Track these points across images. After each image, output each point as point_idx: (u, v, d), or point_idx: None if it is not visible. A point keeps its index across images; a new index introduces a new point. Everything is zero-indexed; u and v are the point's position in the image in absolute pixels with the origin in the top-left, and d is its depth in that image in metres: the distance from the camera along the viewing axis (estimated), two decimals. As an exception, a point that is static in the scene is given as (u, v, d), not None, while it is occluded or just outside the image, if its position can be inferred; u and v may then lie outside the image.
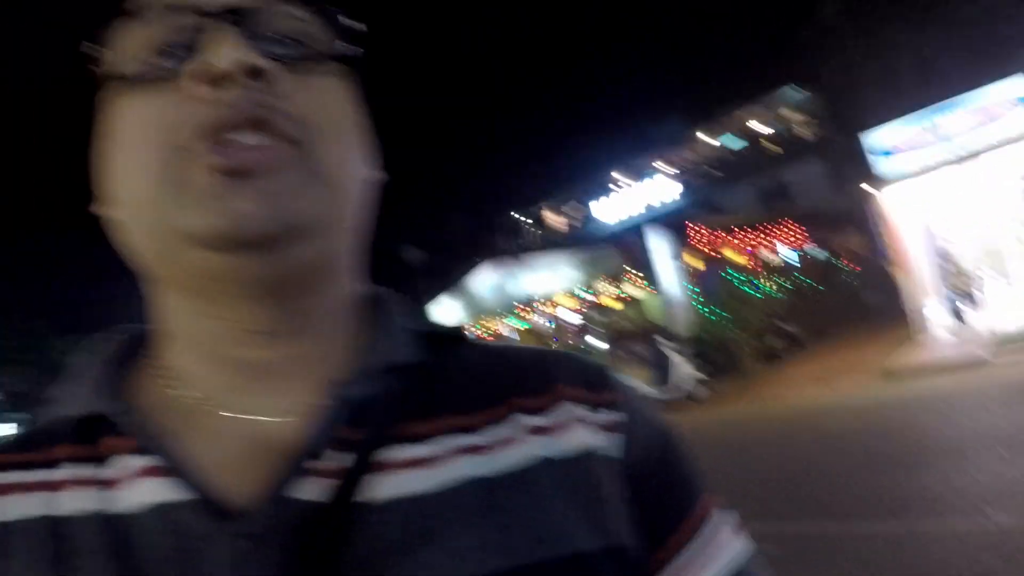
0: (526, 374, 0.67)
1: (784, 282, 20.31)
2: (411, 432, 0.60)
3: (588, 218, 36.77)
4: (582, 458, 0.62)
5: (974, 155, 12.79)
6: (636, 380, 15.52)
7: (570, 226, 39.32)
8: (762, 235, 20.66)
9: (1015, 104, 12.54)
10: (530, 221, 42.00)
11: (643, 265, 18.77)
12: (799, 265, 21.44)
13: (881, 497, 6.09)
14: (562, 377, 0.67)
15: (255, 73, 0.54)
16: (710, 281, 19.05)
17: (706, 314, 18.08)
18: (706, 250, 19.04)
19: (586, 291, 21.27)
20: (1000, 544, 4.52)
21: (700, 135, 34.35)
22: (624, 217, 34.06)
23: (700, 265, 19.02)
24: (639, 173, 35.78)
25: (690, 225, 19.98)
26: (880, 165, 13.91)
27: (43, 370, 50.69)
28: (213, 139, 0.53)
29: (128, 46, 0.57)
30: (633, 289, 19.79)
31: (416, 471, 0.58)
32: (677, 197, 32.39)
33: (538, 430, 0.63)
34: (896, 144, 13.75)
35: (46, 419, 0.61)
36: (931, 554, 4.63)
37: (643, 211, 33.52)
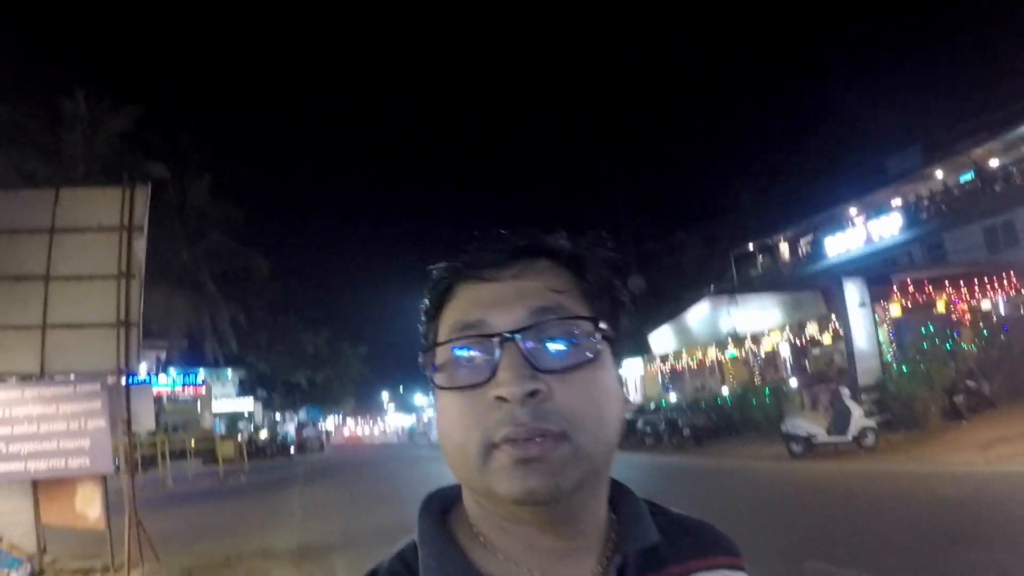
0: (716, 539, 1.02)
1: (985, 336, 20.32)
2: (671, 573, 0.93)
3: (818, 253, 37.05)
4: None
5: None
6: (813, 423, 16.66)
7: (801, 257, 39.56)
8: (970, 284, 20.71)
9: None
10: (760, 254, 42.44)
11: (839, 313, 19.45)
12: (1005, 318, 21.26)
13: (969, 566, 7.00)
14: (720, 547, 1.01)
15: (535, 394, 0.80)
16: (905, 332, 19.50)
17: (894, 366, 18.57)
18: (905, 301, 19.46)
19: (790, 333, 22.09)
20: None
21: (937, 171, 33.74)
22: (851, 254, 34.26)
23: (897, 315, 19.48)
24: (873, 210, 35.68)
25: (892, 276, 20.52)
26: None
27: (291, 356, 56.08)
28: (507, 440, 0.80)
29: (440, 360, 0.87)
30: (829, 336, 20.49)
31: None
32: (904, 234, 32.24)
33: None
34: None
35: None
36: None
37: (867, 248, 33.61)
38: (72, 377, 10.25)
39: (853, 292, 19.23)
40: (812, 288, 21.76)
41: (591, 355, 0.85)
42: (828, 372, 20.56)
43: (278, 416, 65.55)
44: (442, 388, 0.86)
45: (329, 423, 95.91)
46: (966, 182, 32.73)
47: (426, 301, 0.95)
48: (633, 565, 0.90)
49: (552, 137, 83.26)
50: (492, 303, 0.87)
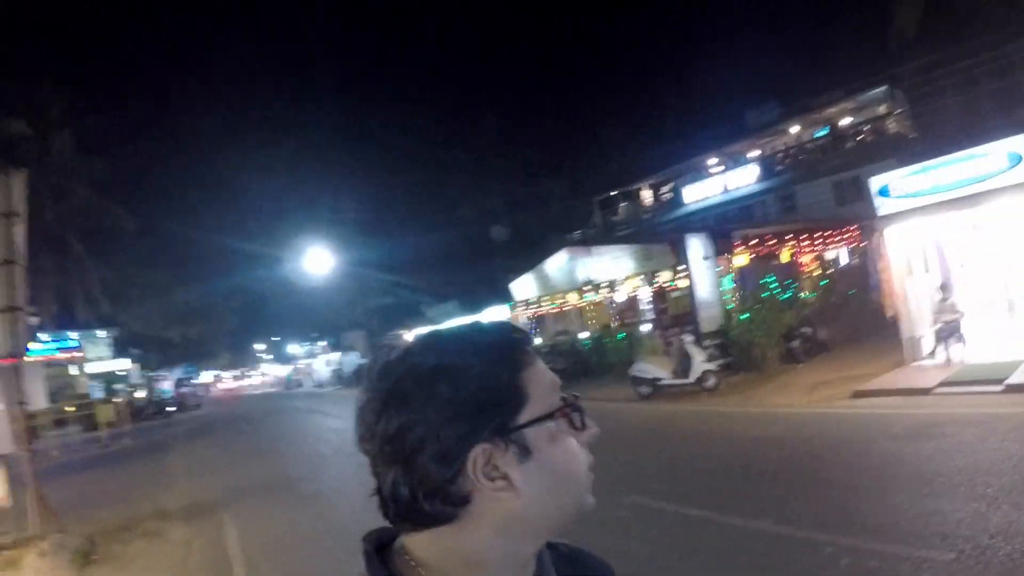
0: (598, 570, 1.20)
1: (822, 285, 21.67)
2: None
3: (677, 201, 38.28)
4: None
5: (969, 202, 14.02)
6: (660, 367, 17.51)
7: (661, 205, 40.76)
8: (809, 237, 21.99)
9: (1004, 159, 13.77)
10: (623, 201, 43.43)
11: (684, 264, 20.35)
12: (838, 271, 22.68)
13: (776, 501, 7.73)
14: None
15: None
16: (746, 282, 20.59)
17: (736, 314, 19.61)
18: (747, 253, 20.53)
19: (641, 281, 22.94)
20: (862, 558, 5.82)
21: (791, 127, 35.17)
22: (708, 201, 35.57)
23: (739, 266, 20.53)
24: (731, 160, 37.04)
25: (734, 230, 21.58)
26: (882, 204, 15.29)
27: (163, 313, 54.97)
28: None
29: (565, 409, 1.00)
30: (678, 284, 21.39)
31: None
32: (759, 185, 33.62)
33: None
34: (898, 186, 15.14)
35: None
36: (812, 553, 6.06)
37: (724, 196, 34.95)
38: None
39: (697, 245, 20.13)
40: (661, 241, 22.63)
41: None
42: (677, 319, 21.47)
43: (154, 375, 64.13)
44: (576, 430, 1.00)
45: (206, 378, 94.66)
46: (819, 137, 34.25)
47: (506, 362, 0.99)
48: None
49: (421, 75, 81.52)
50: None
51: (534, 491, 0.95)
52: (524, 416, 0.96)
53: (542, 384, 0.99)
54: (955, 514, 6.41)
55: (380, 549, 1.03)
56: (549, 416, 0.97)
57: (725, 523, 7.34)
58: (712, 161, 38.49)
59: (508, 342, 1.01)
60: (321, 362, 70.96)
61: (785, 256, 21.34)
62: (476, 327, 1.04)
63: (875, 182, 15.62)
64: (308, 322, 69.00)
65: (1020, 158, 13.54)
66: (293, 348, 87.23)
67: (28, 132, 30.47)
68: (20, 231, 10.43)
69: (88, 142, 38.30)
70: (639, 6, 74.44)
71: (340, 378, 59.27)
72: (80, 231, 36.03)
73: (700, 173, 37.96)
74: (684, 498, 8.43)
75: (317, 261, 43.14)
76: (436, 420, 0.93)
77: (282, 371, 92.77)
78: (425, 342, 1.01)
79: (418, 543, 0.98)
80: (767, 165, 34.45)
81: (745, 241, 20.51)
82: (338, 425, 25.69)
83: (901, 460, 8.78)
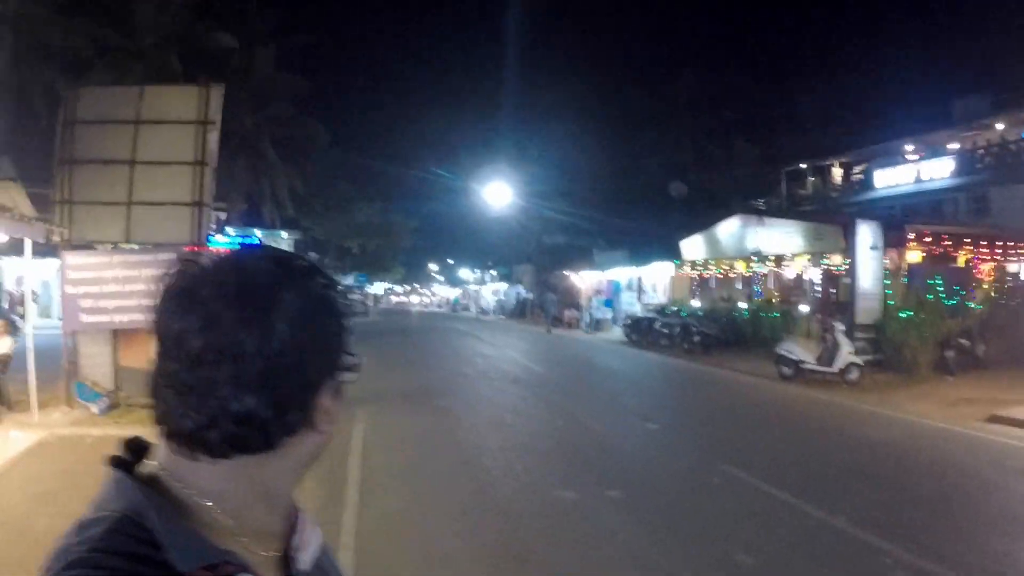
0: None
1: (993, 297, 20.95)
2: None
3: (865, 184, 37.12)
4: None
5: None
6: (806, 350, 17.64)
7: (849, 185, 39.62)
8: (989, 245, 21.17)
9: None
10: (812, 175, 42.42)
11: (851, 250, 20.10)
12: (1016, 285, 21.75)
13: (861, 503, 8.00)
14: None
15: None
16: (912, 280, 20.13)
17: (895, 311, 19.32)
18: (919, 249, 20.01)
19: (808, 261, 22.77)
20: None
21: (998, 123, 33.33)
22: (896, 189, 34.33)
23: (908, 262, 20.09)
24: (928, 150, 35.53)
25: (909, 223, 21.07)
26: None
27: (345, 223, 57.39)
28: None
29: None
30: (845, 270, 21.11)
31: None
32: (950, 179, 32.14)
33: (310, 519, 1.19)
34: None
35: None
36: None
37: (913, 186, 33.61)
38: (152, 247, 12.64)
39: (866, 233, 19.80)
40: (833, 222, 22.32)
41: None
42: (838, 306, 21.31)
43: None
44: None
45: (379, 289, 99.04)
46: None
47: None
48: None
49: (623, 21, 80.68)
50: None
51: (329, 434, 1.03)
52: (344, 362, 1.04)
53: None
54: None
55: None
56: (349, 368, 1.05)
57: (804, 511, 7.78)
58: (908, 148, 36.99)
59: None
60: (488, 290, 72.91)
61: (961, 260, 20.69)
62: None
63: None
64: (482, 250, 70.44)
65: None
66: (465, 273, 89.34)
67: (234, 44, 32.24)
68: (213, 138, 12.80)
69: (290, 60, 40.09)
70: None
71: (503, 308, 60.89)
72: (275, 140, 37.84)
73: (893, 158, 36.53)
74: (776, 479, 8.88)
75: (498, 193, 44.24)
76: (311, 348, 0.95)
77: (451, 293, 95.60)
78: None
79: (205, 472, 0.93)
80: (965, 160, 32.89)
81: (920, 237, 20.02)
82: (489, 351, 26.88)
83: (1004, 494, 8.78)
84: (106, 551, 0.83)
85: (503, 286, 67.01)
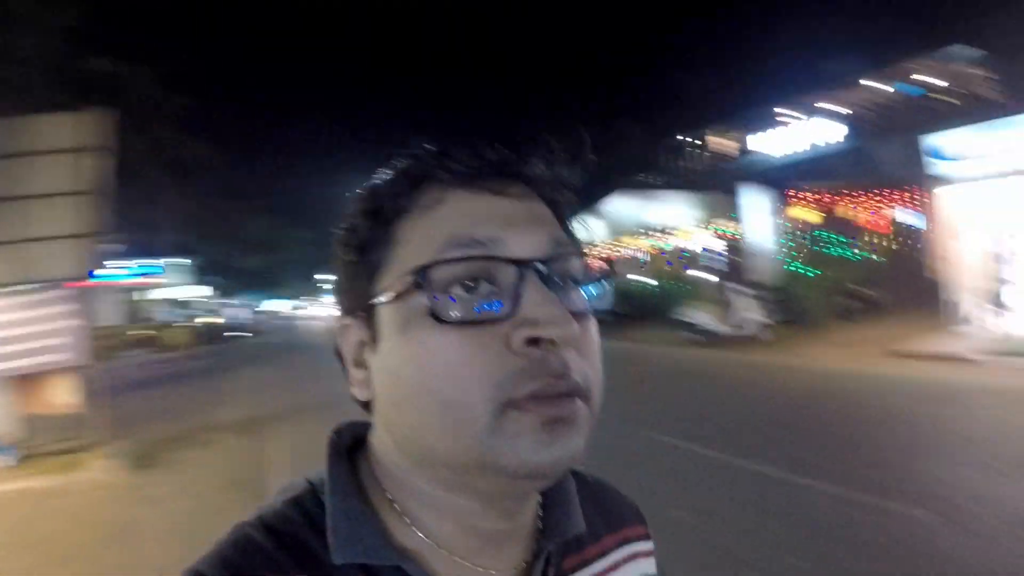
0: (622, 508, 0.97)
1: (878, 247, 21.78)
2: (589, 556, 0.86)
3: (746, 149, 37.93)
4: None
5: None
6: (714, 316, 18.01)
7: (730, 152, 40.43)
8: (873, 196, 21.99)
9: None
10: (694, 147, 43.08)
11: (741, 215, 20.64)
12: (899, 232, 22.65)
13: (786, 448, 8.31)
14: (628, 517, 0.96)
15: (571, 337, 0.66)
16: (804, 237, 20.81)
17: (792, 267, 19.91)
18: (808, 207, 20.67)
19: (702, 229, 23.21)
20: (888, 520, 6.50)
21: (872, 82, 34.41)
22: (778, 152, 35.15)
23: (798, 220, 20.73)
24: (806, 112, 36.48)
25: (796, 183, 21.73)
26: (938, 167, 15.55)
27: (240, 243, 56.69)
28: (536, 396, 0.64)
29: (436, 277, 0.67)
30: (737, 234, 21.65)
31: None
32: (829, 138, 33.09)
33: (643, 553, 0.94)
34: (952, 149, 15.40)
35: (342, 557, 0.70)
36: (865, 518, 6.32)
37: (795, 148, 34.46)
38: (44, 285, 11.83)
39: (755, 197, 20.38)
40: (721, 189, 22.84)
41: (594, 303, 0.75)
42: (735, 269, 21.80)
43: (226, 301, 66.51)
44: (441, 320, 0.66)
45: (275, 305, 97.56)
46: (900, 96, 33.52)
47: (381, 200, 0.75)
48: (557, 554, 0.81)
49: (503, 20, 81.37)
50: (503, 221, 0.71)
51: (382, 397, 0.74)
52: (377, 286, 0.73)
53: (430, 238, 0.70)
54: (953, 480, 6.89)
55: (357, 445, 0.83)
56: (401, 291, 0.70)
57: (731, 463, 7.95)
58: (786, 112, 37.85)
59: (400, 175, 0.76)
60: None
61: (848, 214, 21.40)
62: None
63: (931, 142, 15.93)
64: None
65: None
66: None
67: (112, 69, 31.51)
68: (96, 166, 12.20)
69: (174, 81, 39.24)
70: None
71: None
72: (163, 162, 37.01)
73: (772, 123, 37.38)
74: (698, 438, 9.03)
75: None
76: (336, 280, 0.81)
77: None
78: None
79: (375, 436, 0.80)
80: (842, 120, 33.88)
81: (807, 195, 20.65)
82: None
83: (916, 423, 9.21)
84: (263, 526, 0.73)
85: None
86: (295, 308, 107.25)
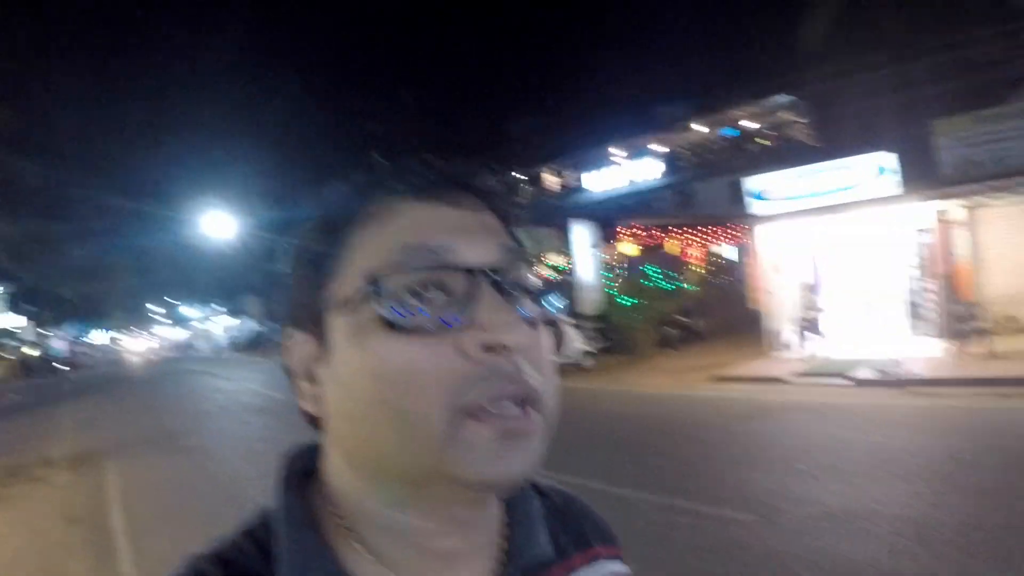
0: (592, 526, 0.92)
1: (702, 280, 22.75)
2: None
3: (577, 187, 38.98)
4: None
5: (836, 208, 15.20)
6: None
7: (561, 190, 41.43)
8: (694, 232, 22.94)
9: (874, 172, 14.93)
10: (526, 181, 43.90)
11: (569, 248, 21.14)
12: (720, 266, 23.80)
13: (616, 467, 8.57)
14: (605, 534, 0.93)
15: (527, 344, 0.66)
16: (630, 270, 21.47)
17: (618, 299, 20.45)
18: (634, 242, 21.34)
19: (536, 263, 23.50)
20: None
21: (697, 126, 35.99)
22: (607, 191, 36.28)
23: (625, 254, 21.38)
24: (635, 152, 37.80)
25: (620, 219, 22.42)
26: (756, 205, 16.54)
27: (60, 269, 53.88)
28: (492, 405, 0.63)
29: (389, 285, 0.65)
30: (565, 268, 22.12)
31: None
32: (656, 178, 34.43)
33: (614, 574, 0.89)
34: (767, 189, 16.51)
35: None
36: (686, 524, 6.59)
37: (623, 187, 35.68)
38: None
39: (582, 232, 20.94)
40: (550, 224, 23.32)
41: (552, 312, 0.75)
42: (567, 300, 22.18)
43: (47, 332, 62.99)
44: (395, 328, 0.65)
45: (100, 337, 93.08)
46: (723, 138, 35.22)
47: (333, 211, 0.74)
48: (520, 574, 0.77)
49: (331, 43, 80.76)
50: (456, 230, 0.70)
51: (334, 411, 0.71)
52: (328, 297, 0.70)
53: (383, 247, 0.69)
54: (767, 484, 7.42)
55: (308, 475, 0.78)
56: (353, 300, 0.68)
57: (560, 480, 7.89)
58: (616, 152, 39.11)
59: (352, 186, 0.75)
60: (219, 326, 70.42)
61: (672, 248, 22.21)
62: None
63: (750, 184, 16.99)
64: (205, 285, 67.90)
65: (883, 171, 14.75)
66: (189, 311, 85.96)
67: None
68: None
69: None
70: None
71: (236, 344, 58.97)
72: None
73: (603, 162, 38.58)
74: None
75: (217, 224, 42.68)
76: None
77: (177, 334, 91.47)
78: None
79: (327, 458, 0.76)
80: (669, 160, 35.26)
81: (633, 230, 21.28)
82: (227, 386, 26.01)
83: (734, 437, 9.88)
84: (215, 558, 0.70)
85: (236, 321, 64.94)
86: (114, 340, 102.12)
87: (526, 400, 0.66)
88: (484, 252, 0.70)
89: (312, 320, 0.71)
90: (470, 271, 0.67)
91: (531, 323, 0.69)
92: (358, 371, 0.66)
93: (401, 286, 0.66)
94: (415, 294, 0.66)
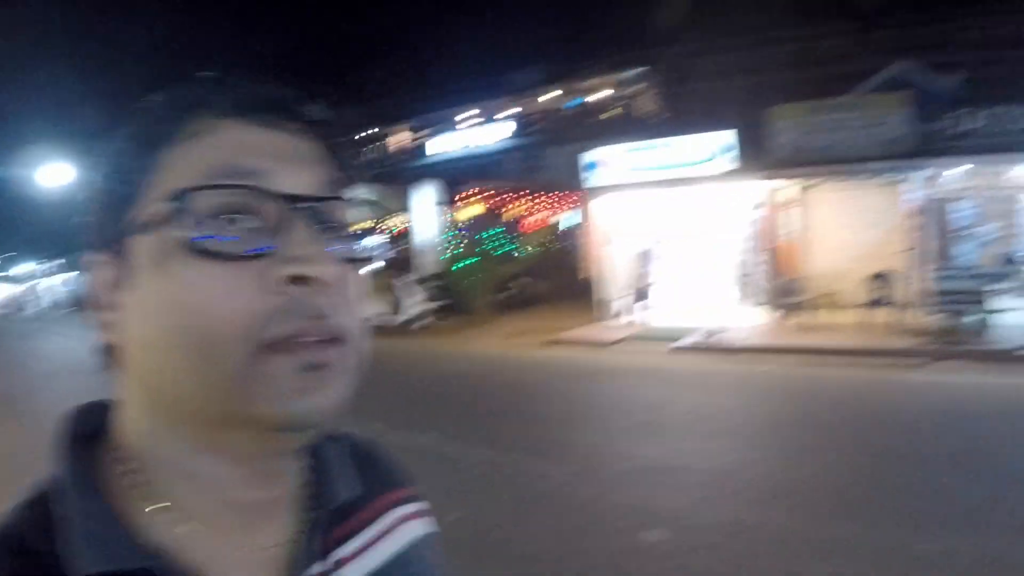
0: (391, 471, 0.89)
1: (538, 245, 23.14)
2: (360, 522, 0.78)
3: (426, 148, 38.75)
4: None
5: (676, 183, 15.77)
6: (378, 303, 18.06)
7: (411, 150, 41.18)
8: (537, 198, 23.28)
9: (714, 151, 15.56)
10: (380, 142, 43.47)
11: (413, 208, 21.09)
12: (559, 233, 24.24)
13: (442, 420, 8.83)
14: (397, 479, 0.89)
15: (335, 280, 0.62)
16: (471, 233, 21.61)
17: (454, 260, 20.58)
18: (477, 205, 21.50)
19: (375, 223, 23.38)
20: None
21: (549, 94, 36.26)
22: (456, 153, 36.18)
23: (467, 217, 21.50)
24: (486, 117, 37.81)
25: (465, 182, 22.54)
26: (594, 176, 16.93)
27: None
28: (294, 338, 0.59)
29: (196, 206, 0.60)
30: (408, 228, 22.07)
31: (372, 551, 0.78)
32: (504, 143, 34.53)
33: (414, 515, 0.86)
34: (607, 161, 16.91)
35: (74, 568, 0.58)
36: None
37: (471, 150, 35.64)
38: None
39: (426, 193, 20.95)
40: (393, 184, 23.22)
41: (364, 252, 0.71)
42: (403, 260, 22.16)
43: None
44: (200, 252, 0.60)
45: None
46: (573, 107, 35.57)
47: (147, 124, 0.67)
48: (326, 524, 0.74)
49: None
50: (275, 155, 0.65)
51: (136, 341, 0.64)
52: (134, 216, 0.64)
53: (194, 166, 0.63)
54: (588, 440, 7.80)
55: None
56: (158, 220, 0.62)
57: (391, 438, 8.03)
58: (466, 115, 39.00)
59: (170, 99, 0.68)
60: (58, 281, 66.84)
61: (515, 213, 22.45)
62: None
63: (586, 156, 17.33)
64: (42, 238, 63.94)
65: (723, 150, 15.47)
66: (24, 267, 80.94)
67: None
68: None
69: None
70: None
71: (76, 299, 56.33)
72: None
73: (452, 124, 38.42)
74: (362, 417, 9.08)
75: (53, 174, 40.34)
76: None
77: (10, 290, 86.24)
78: None
79: (123, 403, 0.69)
80: (519, 126, 35.36)
81: (478, 194, 21.40)
82: (69, 344, 24.72)
83: (558, 397, 10.31)
84: None
85: (74, 275, 61.74)
86: None
87: (332, 336, 0.62)
88: (302, 181, 0.65)
89: (116, 243, 0.65)
90: (286, 198, 0.63)
91: (343, 260, 0.65)
92: (158, 297, 0.61)
93: (208, 208, 0.61)
94: (225, 218, 0.61)
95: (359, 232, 0.71)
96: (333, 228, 0.66)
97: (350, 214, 0.69)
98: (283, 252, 0.61)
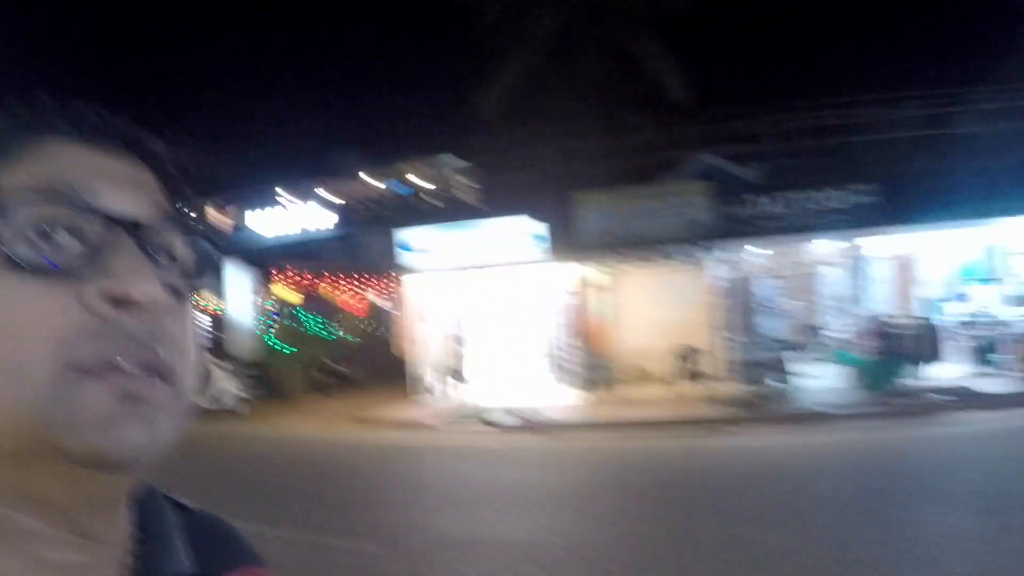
0: (237, 546, 0.82)
1: (354, 327, 23.18)
2: None
3: (241, 227, 37.88)
4: None
5: (486, 267, 16.26)
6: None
7: (224, 226, 40.12)
8: (351, 281, 23.25)
9: (525, 236, 16.09)
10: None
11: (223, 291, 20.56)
12: (374, 314, 24.26)
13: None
14: (245, 556, 0.81)
15: (156, 305, 0.57)
16: (285, 316, 21.32)
17: (271, 344, 20.19)
18: (292, 288, 21.25)
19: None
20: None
21: (364, 176, 36.31)
22: (270, 233, 35.54)
23: (281, 299, 21.22)
24: (300, 195, 37.41)
25: (278, 264, 22.30)
26: (408, 258, 17.27)
27: None
28: (110, 364, 0.54)
29: (16, 218, 0.56)
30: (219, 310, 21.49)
31: None
32: (321, 224, 34.23)
33: None
34: (420, 244, 17.25)
35: None
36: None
37: (286, 231, 35.12)
38: None
39: (238, 274, 20.51)
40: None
41: (193, 288, 0.65)
42: (219, 343, 21.52)
43: None
44: (13, 266, 0.56)
45: None
46: (391, 191, 35.68)
47: None
48: None
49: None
50: (107, 177, 0.62)
51: None
52: None
53: (20, 180, 0.60)
54: (394, 518, 7.92)
55: None
56: None
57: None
58: (283, 194, 38.44)
59: (6, 115, 0.65)
60: None
61: (331, 296, 22.36)
62: None
63: (402, 236, 17.66)
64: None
65: (533, 236, 16.06)
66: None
67: None
68: None
69: None
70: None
71: None
72: None
73: (268, 203, 37.75)
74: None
75: None
76: None
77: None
78: None
79: None
80: (336, 209, 35.14)
81: (294, 276, 21.19)
82: None
83: (371, 477, 10.44)
84: None
85: None
86: None
87: (153, 368, 0.57)
88: (130, 204, 0.61)
89: None
90: (111, 219, 0.59)
91: (172, 291, 0.61)
92: None
93: (28, 221, 0.57)
94: (43, 233, 0.57)
95: (192, 268, 0.65)
96: (163, 258, 0.62)
97: (181, 250, 0.64)
98: (106, 273, 0.56)
